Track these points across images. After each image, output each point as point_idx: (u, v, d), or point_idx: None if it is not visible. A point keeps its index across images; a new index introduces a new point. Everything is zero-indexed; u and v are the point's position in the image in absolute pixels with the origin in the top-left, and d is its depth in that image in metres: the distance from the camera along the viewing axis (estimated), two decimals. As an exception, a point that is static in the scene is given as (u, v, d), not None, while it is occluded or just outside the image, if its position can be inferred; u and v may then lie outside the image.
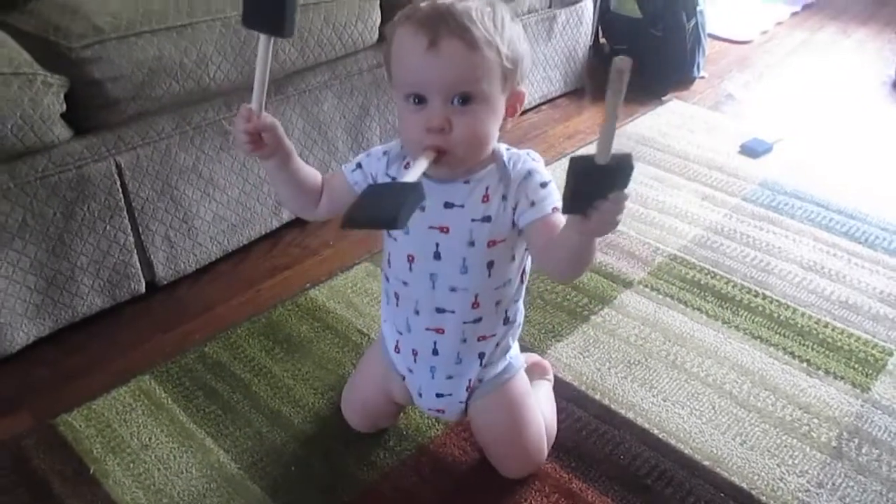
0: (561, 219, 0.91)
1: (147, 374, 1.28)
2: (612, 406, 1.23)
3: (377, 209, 0.76)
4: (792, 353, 1.34)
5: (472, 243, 0.96)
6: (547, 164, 0.99)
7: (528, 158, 0.97)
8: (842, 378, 1.29)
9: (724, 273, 1.53)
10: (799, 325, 1.40)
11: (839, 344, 1.36)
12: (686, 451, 1.15)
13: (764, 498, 1.08)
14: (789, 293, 1.48)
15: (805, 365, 1.32)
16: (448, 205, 0.95)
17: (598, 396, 1.25)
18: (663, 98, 2.31)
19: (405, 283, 1.03)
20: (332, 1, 1.51)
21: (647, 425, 1.19)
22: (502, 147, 0.97)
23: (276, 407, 1.22)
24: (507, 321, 1.05)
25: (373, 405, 1.16)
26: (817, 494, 1.09)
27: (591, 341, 1.36)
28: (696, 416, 1.21)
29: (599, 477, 1.11)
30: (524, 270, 1.04)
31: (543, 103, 2.27)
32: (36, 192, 1.25)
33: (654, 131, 2.10)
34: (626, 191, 0.76)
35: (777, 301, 1.46)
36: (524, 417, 1.09)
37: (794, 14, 3.04)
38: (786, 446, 1.17)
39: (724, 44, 2.76)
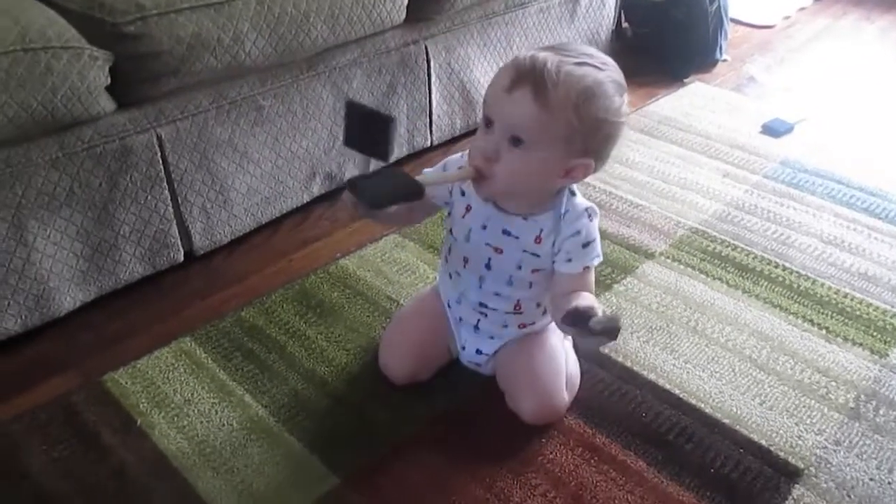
0: (588, 277, 1.07)
1: (187, 337, 1.34)
2: (635, 368, 1.27)
3: (377, 190, 0.93)
4: (811, 321, 1.37)
5: (519, 267, 1.10)
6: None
7: (585, 215, 1.07)
8: (860, 345, 1.32)
9: (745, 245, 1.57)
10: (818, 295, 1.43)
11: (858, 313, 1.39)
12: (706, 410, 1.19)
13: (782, 454, 1.12)
14: (809, 265, 1.51)
15: (824, 332, 1.35)
16: (506, 232, 1.08)
17: (620, 359, 1.29)
18: (685, 80, 2.33)
19: (458, 273, 1.15)
20: (363, -19, 1.56)
21: (668, 386, 1.23)
22: (567, 196, 1.06)
23: (310, 366, 1.28)
24: (545, 313, 1.17)
25: (424, 345, 1.22)
26: (834, 451, 1.13)
27: (613, 308, 1.40)
28: (716, 378, 1.25)
29: (622, 433, 1.15)
30: None
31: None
32: (83, 162, 1.31)
33: (676, 112, 2.13)
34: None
35: (797, 272, 1.49)
36: (542, 355, 1.16)
37: (818, 0, 3.04)
38: (804, 407, 1.20)
39: (746, 28, 2.77)
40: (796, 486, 1.08)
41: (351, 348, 1.31)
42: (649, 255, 1.54)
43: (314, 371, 1.27)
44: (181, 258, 1.51)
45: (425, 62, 1.80)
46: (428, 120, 1.87)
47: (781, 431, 1.16)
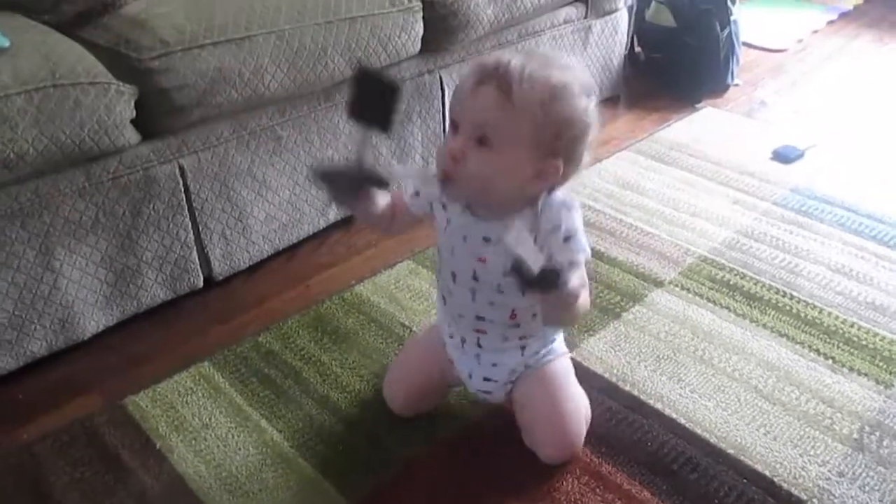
0: (575, 272, 1.00)
1: (206, 361, 1.38)
2: (642, 397, 1.29)
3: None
4: (817, 351, 1.39)
5: (505, 273, 1.01)
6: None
7: (562, 207, 1.03)
8: (866, 375, 1.34)
9: (753, 274, 1.59)
10: (825, 324, 1.45)
11: (864, 342, 1.41)
12: (711, 440, 1.21)
13: (785, 485, 1.14)
14: (817, 294, 1.53)
15: (830, 362, 1.37)
16: (486, 239, 1.05)
17: (627, 388, 1.31)
18: (697, 105, 2.36)
19: (450, 293, 1.14)
20: (379, 14, 1.61)
21: (674, 415, 1.26)
22: (544, 196, 1.02)
23: (324, 392, 1.31)
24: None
25: (422, 383, 1.24)
26: (837, 482, 1.14)
27: (622, 336, 1.42)
28: (721, 408, 1.27)
29: (628, 462, 1.18)
30: None
31: (579, 110, 2.33)
32: (108, 192, 1.36)
33: (687, 137, 2.15)
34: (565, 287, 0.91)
35: (804, 301, 1.51)
36: (563, 396, 1.17)
37: (831, 22, 3.06)
38: (808, 437, 1.22)
39: (759, 52, 2.79)
40: (799, 517, 1.10)
41: (364, 374, 1.35)
42: (658, 284, 1.56)
43: (328, 397, 1.31)
44: (201, 283, 1.56)
45: (440, 91, 1.85)
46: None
47: (785, 462, 1.18)
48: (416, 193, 1.13)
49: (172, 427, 1.25)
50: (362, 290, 1.56)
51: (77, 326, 1.40)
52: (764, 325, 1.45)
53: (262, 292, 1.59)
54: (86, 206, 1.35)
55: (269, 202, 1.61)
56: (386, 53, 1.65)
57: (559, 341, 1.22)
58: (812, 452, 1.19)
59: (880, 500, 1.12)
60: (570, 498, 1.12)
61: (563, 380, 1.19)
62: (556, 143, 0.97)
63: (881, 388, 1.31)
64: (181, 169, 1.45)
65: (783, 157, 2.04)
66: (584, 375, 1.29)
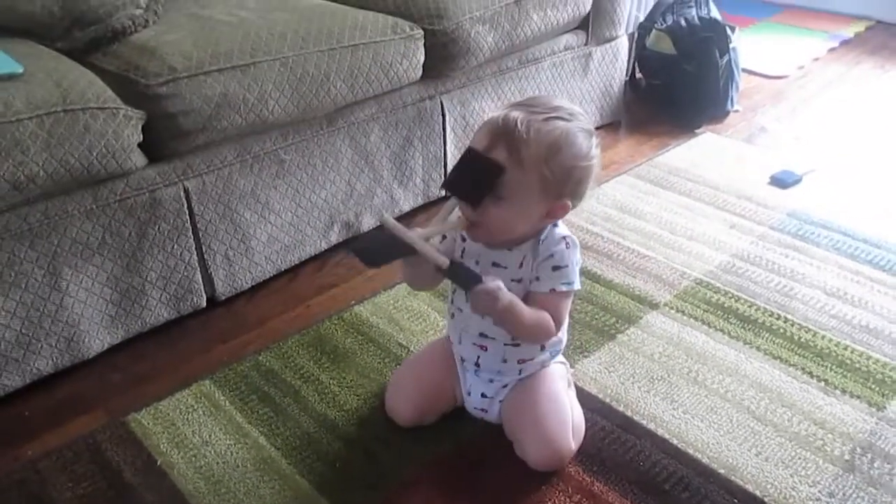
0: (555, 301, 1.13)
1: (207, 380, 1.41)
2: (635, 417, 1.31)
3: (372, 254, 1.06)
4: (810, 373, 1.40)
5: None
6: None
7: (562, 242, 1.14)
8: (858, 397, 1.35)
9: (748, 297, 1.61)
10: (819, 347, 1.47)
11: (857, 365, 1.42)
12: (703, 460, 1.23)
13: (776, 505, 1.15)
14: (811, 317, 1.55)
15: (823, 384, 1.38)
16: (495, 264, 1.15)
17: (621, 408, 1.33)
18: (697, 131, 2.39)
19: (460, 310, 1.22)
20: (381, 41, 1.65)
21: (666, 435, 1.27)
22: (549, 227, 1.14)
23: (322, 410, 1.34)
24: (543, 349, 1.23)
25: (431, 389, 1.27)
26: (828, 503, 1.15)
27: (616, 358, 1.44)
28: (714, 429, 1.29)
29: (620, 481, 1.19)
30: None
31: (580, 135, 2.37)
32: (115, 213, 1.40)
33: (686, 162, 2.18)
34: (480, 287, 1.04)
35: (798, 324, 1.53)
36: (548, 400, 1.21)
37: (832, 50, 3.09)
38: (800, 458, 1.23)
39: (760, 78, 2.82)
40: (789, 537, 1.11)
41: (362, 393, 1.37)
42: (654, 306, 1.58)
43: (326, 415, 1.33)
44: (204, 303, 1.59)
45: (440, 116, 1.89)
46: (443, 171, 1.95)
47: (776, 482, 1.19)
48: (443, 238, 1.21)
49: (173, 444, 1.28)
50: (362, 310, 1.59)
51: (83, 345, 1.43)
52: (758, 348, 1.47)
53: (264, 312, 1.62)
54: (93, 227, 1.38)
55: (272, 224, 1.65)
56: (388, 80, 1.69)
57: (558, 358, 1.28)
58: (803, 473, 1.21)
59: (870, 521, 1.13)
60: (561, 516, 1.14)
61: (551, 385, 1.23)
62: (563, 188, 1.08)
63: (873, 410, 1.32)
64: (186, 191, 1.49)
65: (781, 181, 2.06)
66: (578, 395, 1.31)
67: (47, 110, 1.26)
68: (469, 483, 1.20)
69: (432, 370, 1.29)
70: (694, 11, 2.51)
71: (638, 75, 2.63)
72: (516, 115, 1.06)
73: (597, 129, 2.40)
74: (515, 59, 2.02)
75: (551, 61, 2.12)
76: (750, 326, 1.52)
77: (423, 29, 1.73)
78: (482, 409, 1.27)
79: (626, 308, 1.58)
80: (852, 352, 1.45)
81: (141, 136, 1.39)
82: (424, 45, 1.74)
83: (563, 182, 1.08)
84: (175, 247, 1.50)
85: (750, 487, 1.18)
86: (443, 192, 1.97)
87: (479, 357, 1.23)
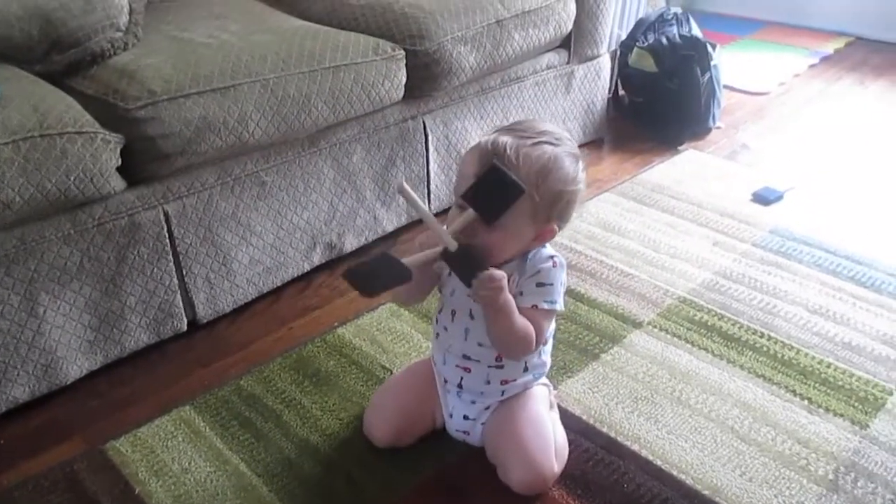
0: (536, 318, 1.12)
1: (187, 405, 1.39)
2: (619, 438, 1.30)
3: (369, 280, 1.02)
4: (794, 392, 1.40)
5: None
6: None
7: (549, 261, 1.15)
8: (841, 415, 1.35)
9: (732, 315, 1.61)
10: (802, 365, 1.47)
11: (840, 383, 1.42)
12: (687, 482, 1.22)
13: (760, 526, 1.15)
14: (794, 335, 1.55)
15: (806, 402, 1.38)
16: None
17: (605, 429, 1.32)
18: (680, 148, 2.40)
19: (445, 329, 1.21)
20: (362, 63, 1.65)
21: (650, 457, 1.27)
22: (538, 247, 1.16)
23: (304, 435, 1.32)
24: (526, 370, 1.22)
25: (409, 411, 1.27)
26: (812, 524, 1.15)
27: (600, 378, 1.44)
28: (698, 449, 1.28)
29: (604, 503, 1.18)
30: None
31: (563, 153, 2.37)
32: (93, 238, 1.39)
33: (669, 179, 2.19)
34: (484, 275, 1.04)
35: (781, 342, 1.53)
36: (530, 422, 1.20)
37: (812, 66, 3.12)
38: (784, 478, 1.23)
39: (741, 95, 2.85)
40: (773, 559, 1.10)
41: (344, 417, 1.36)
42: (637, 325, 1.58)
43: (307, 440, 1.31)
44: (184, 327, 1.57)
45: (423, 136, 1.89)
46: (426, 190, 1.95)
47: (760, 503, 1.18)
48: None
49: (152, 472, 1.26)
50: (344, 332, 1.58)
51: (60, 371, 1.41)
52: (741, 366, 1.47)
53: (246, 335, 1.60)
54: (71, 252, 1.37)
55: (254, 246, 1.64)
56: (370, 101, 1.69)
57: (541, 380, 1.27)
58: (787, 493, 1.20)
59: (854, 542, 1.13)
60: (545, 541, 1.13)
61: (534, 407, 1.22)
62: (551, 211, 1.11)
63: (857, 428, 1.32)
64: (166, 214, 1.48)
65: (763, 198, 2.07)
66: (562, 416, 1.31)
67: (23, 135, 1.25)
68: (452, 508, 1.19)
69: (413, 392, 1.28)
70: (675, 29, 2.53)
71: (621, 93, 2.65)
72: (505, 140, 1.07)
73: (580, 146, 2.41)
74: (498, 79, 2.03)
75: (534, 80, 2.13)
76: (733, 344, 1.52)
77: (405, 50, 1.74)
78: (464, 432, 1.26)
79: (610, 327, 1.57)
80: (835, 369, 1.46)
81: (119, 160, 1.38)
82: (406, 65, 1.74)
83: (551, 206, 1.10)
84: (155, 270, 1.49)
85: (734, 509, 1.17)
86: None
87: (462, 378, 1.23)
